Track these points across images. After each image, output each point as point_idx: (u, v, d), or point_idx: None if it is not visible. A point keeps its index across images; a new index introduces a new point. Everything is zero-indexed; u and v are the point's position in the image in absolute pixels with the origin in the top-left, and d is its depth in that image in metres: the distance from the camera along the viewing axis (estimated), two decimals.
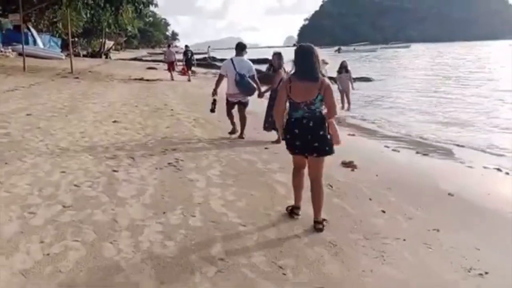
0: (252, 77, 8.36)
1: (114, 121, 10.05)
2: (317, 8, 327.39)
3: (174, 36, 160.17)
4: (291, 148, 4.62)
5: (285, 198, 5.32)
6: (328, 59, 14.57)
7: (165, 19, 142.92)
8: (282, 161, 6.85)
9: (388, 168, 7.41)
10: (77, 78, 20.26)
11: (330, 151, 4.47)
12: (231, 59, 8.49)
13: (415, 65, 45.14)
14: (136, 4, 22.68)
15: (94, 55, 53.13)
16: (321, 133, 4.37)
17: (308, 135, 4.39)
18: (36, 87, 15.33)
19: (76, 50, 55.48)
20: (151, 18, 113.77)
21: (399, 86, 24.41)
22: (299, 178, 4.77)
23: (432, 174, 7.21)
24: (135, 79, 22.86)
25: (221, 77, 8.60)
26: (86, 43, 63.44)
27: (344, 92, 15.59)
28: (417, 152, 9.01)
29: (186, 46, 26.90)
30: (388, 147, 9.39)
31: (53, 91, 14.68)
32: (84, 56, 51.12)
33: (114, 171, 6.09)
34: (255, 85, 8.35)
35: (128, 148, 7.58)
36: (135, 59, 56.43)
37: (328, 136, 4.41)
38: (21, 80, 17.21)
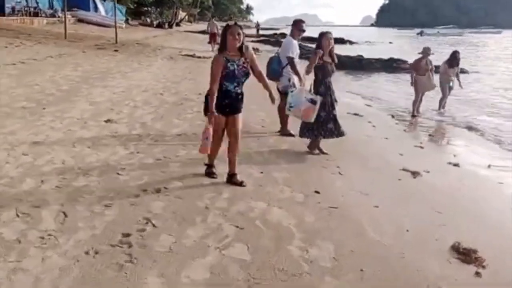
0: (289, 60, 6.98)
1: (107, 121, 7.08)
2: None
3: (249, 10, 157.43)
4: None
5: None
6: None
7: None
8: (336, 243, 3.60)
9: None
10: (116, 50, 17.67)
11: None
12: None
13: None
14: None
15: (159, 25, 51.05)
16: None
17: None
18: (53, 60, 12.79)
19: (149, 20, 54.25)
20: None
21: (504, 83, 19.57)
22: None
23: None
24: (186, 55, 20.04)
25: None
26: (158, 13, 62.20)
27: (450, 90, 11.61)
28: None
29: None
30: None
31: (68, 66, 12.04)
32: (157, 26, 49.28)
33: None
34: (280, 69, 7.03)
35: (81, 184, 4.52)
36: (203, 32, 53.98)
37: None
38: (46, 49, 14.83)
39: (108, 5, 41.13)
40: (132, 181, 4.71)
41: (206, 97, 4.63)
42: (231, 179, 4.89)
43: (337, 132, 6.34)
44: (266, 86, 4.92)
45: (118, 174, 4.88)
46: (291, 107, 6.13)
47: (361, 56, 24.43)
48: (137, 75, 12.35)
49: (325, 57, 6.21)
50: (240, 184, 4.84)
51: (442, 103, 11.67)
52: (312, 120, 6.06)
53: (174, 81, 12.00)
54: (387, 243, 3.85)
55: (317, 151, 6.41)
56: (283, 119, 7.21)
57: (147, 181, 4.72)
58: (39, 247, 3.23)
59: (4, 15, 25.55)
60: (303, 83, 6.44)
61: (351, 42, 48.17)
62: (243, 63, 4.62)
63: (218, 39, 24.30)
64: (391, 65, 22.33)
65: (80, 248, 3.26)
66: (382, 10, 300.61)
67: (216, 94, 4.52)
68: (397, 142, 8.09)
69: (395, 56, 24.58)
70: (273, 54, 7.70)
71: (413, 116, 10.98)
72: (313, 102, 5.99)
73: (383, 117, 10.59)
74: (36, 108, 7.35)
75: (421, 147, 7.83)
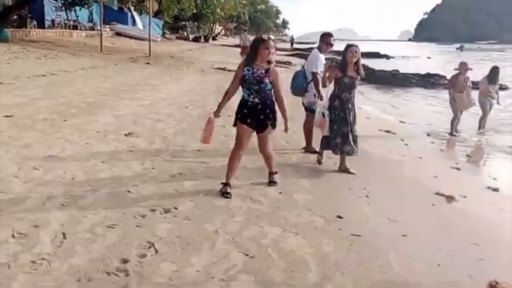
0: (313, 75, 6.60)
1: (128, 134, 6.91)
2: (439, 2, 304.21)
3: (285, 24, 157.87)
4: None
5: None
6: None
7: (276, 6, 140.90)
8: None
9: None
10: (148, 63, 17.76)
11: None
12: None
13: None
14: None
15: (196, 39, 51.75)
16: None
17: None
18: (84, 72, 12.88)
19: (186, 34, 55.25)
20: (262, 6, 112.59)
21: None
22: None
23: None
24: (218, 68, 19.96)
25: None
26: (196, 27, 63.22)
27: (491, 108, 10.95)
28: None
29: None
30: None
31: (99, 78, 12.07)
32: (193, 40, 50.06)
33: None
34: (306, 84, 6.72)
35: (88, 202, 4.28)
36: (238, 45, 54.28)
37: None
38: (79, 62, 14.99)
39: (146, 19, 41.87)
40: (142, 199, 4.46)
41: (238, 105, 4.87)
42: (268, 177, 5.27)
43: (341, 148, 6.04)
44: (283, 113, 4.83)
45: (128, 191, 4.64)
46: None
47: (397, 70, 23.82)
48: (165, 88, 12.26)
49: (348, 70, 5.95)
50: (269, 182, 5.22)
51: (482, 122, 11.02)
52: (325, 133, 6.02)
53: (202, 94, 11.84)
54: (415, 280, 3.45)
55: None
56: (308, 136, 6.89)
57: (157, 200, 4.47)
58: (29, 273, 2.99)
59: (43, 28, 26.23)
60: (320, 96, 6.29)
61: (387, 57, 47.34)
62: (261, 73, 4.61)
63: None
64: (428, 81, 21.61)
65: (72, 276, 3.01)
66: (421, 25, 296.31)
67: (230, 95, 4.88)
68: (431, 162, 7.60)
69: (433, 71, 23.84)
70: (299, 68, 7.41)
71: (451, 135, 10.38)
72: (324, 116, 5.97)
73: (418, 135, 10.07)
74: (57, 121, 7.25)
75: (458, 169, 7.31)
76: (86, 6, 24.48)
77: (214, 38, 60.62)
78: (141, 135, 6.93)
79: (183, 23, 60.02)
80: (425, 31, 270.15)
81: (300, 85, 6.77)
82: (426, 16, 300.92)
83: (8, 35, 18.35)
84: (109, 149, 6.08)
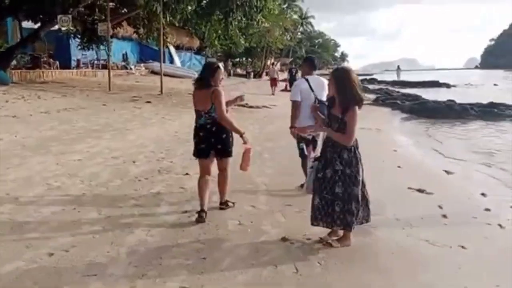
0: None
1: None
2: (506, 27, 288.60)
3: (343, 57, 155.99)
4: (196, 151, 4.83)
5: None
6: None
7: (334, 40, 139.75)
8: None
9: None
10: (149, 102, 15.40)
11: (231, 153, 4.84)
12: (306, 78, 6.01)
13: None
14: (246, 8, 17.14)
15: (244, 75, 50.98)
16: (224, 136, 4.69)
17: (211, 138, 4.67)
18: (41, 116, 10.60)
19: (229, 69, 54.50)
20: (320, 40, 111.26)
21: None
22: (203, 183, 4.77)
23: None
24: (238, 105, 17.38)
25: (298, 105, 5.93)
26: (249, 63, 62.48)
27: None
28: None
29: (291, 64, 28.60)
30: None
31: (47, 125, 9.69)
32: (242, 75, 49.69)
33: None
34: None
35: None
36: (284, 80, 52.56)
37: (230, 139, 4.77)
38: (56, 102, 12.85)
39: (186, 56, 40.73)
40: None
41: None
42: None
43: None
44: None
45: None
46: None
47: (452, 101, 20.15)
48: (138, 133, 9.73)
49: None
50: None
51: None
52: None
53: (182, 140, 9.18)
54: None
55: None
56: None
57: None
58: None
59: (69, 68, 25.09)
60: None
61: (448, 85, 43.12)
62: None
63: (278, 84, 26.36)
64: (492, 111, 17.91)
65: None
66: (488, 52, 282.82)
67: None
68: (478, 260, 4.30)
69: (498, 100, 20.01)
70: None
71: None
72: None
73: (469, 195, 6.66)
74: None
75: None
76: (104, 44, 22.73)
77: (267, 74, 59.65)
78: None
79: (238, 59, 59.52)
80: (492, 57, 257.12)
81: None
82: (493, 43, 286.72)
83: (6, 77, 16.77)
84: None
